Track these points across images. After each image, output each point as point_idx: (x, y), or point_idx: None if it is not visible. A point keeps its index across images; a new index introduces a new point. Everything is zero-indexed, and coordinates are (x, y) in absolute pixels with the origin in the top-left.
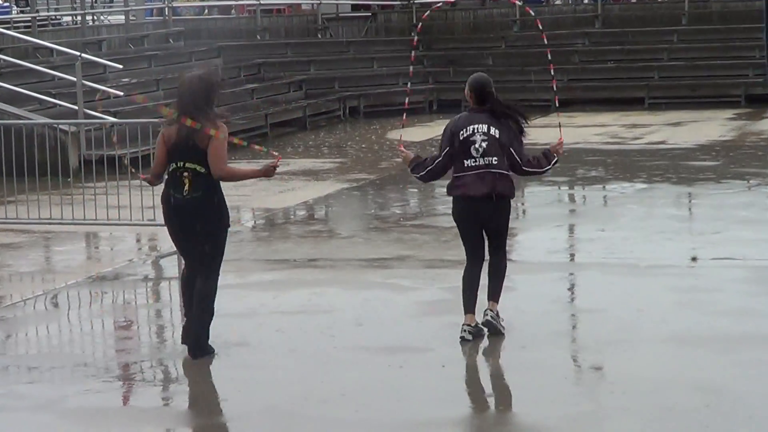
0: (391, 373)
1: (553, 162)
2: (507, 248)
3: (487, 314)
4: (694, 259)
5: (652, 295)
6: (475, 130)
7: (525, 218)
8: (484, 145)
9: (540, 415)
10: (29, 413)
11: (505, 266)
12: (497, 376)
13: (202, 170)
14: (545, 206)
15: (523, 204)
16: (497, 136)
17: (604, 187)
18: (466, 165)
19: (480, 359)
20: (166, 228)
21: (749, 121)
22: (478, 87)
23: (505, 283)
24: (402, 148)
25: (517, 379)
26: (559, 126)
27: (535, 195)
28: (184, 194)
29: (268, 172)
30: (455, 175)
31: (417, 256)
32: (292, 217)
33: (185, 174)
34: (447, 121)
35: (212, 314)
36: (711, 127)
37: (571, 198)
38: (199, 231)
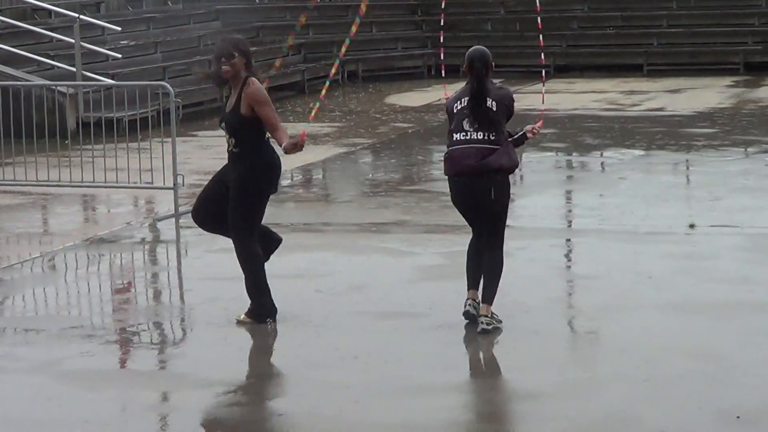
0: (389, 338)
1: (521, 141)
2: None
3: (482, 322)
4: (691, 226)
5: (649, 262)
6: (468, 103)
7: (523, 184)
8: (472, 118)
9: (536, 380)
10: (25, 375)
11: (502, 263)
12: (494, 342)
13: None
14: (543, 173)
15: (521, 170)
16: (493, 108)
17: (602, 153)
18: (456, 138)
19: (477, 325)
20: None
21: (748, 88)
22: (469, 60)
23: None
24: None
25: (514, 345)
26: (542, 113)
27: (533, 161)
28: None
29: (287, 149)
30: (447, 149)
31: (415, 221)
32: (290, 181)
33: None
34: (442, 86)
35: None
36: (709, 94)
37: (569, 164)
38: None
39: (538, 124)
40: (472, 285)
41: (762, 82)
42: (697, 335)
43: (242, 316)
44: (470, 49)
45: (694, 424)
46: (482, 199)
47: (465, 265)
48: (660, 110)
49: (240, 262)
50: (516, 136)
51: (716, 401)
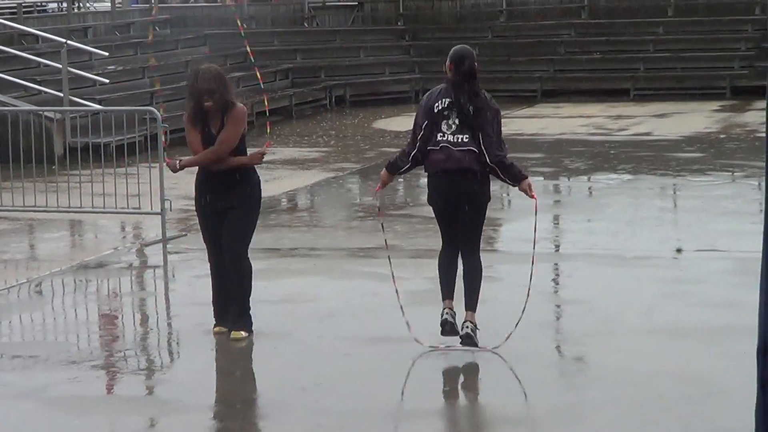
0: (377, 363)
1: (515, 179)
2: (491, 240)
3: (466, 327)
4: (678, 250)
5: (636, 287)
6: (451, 105)
7: (510, 208)
8: (456, 121)
9: (524, 405)
10: (12, 401)
11: (481, 271)
12: (482, 367)
13: None
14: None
15: (508, 194)
16: (472, 113)
17: (589, 178)
18: (437, 139)
19: (465, 350)
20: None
21: (734, 113)
22: (456, 59)
23: (489, 274)
24: (378, 189)
25: (501, 369)
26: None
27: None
28: None
29: (254, 159)
30: (428, 148)
31: (402, 246)
32: (277, 206)
33: None
34: None
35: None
36: (696, 118)
37: (557, 189)
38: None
39: (533, 196)
40: (447, 295)
41: (748, 106)
42: (684, 359)
43: (241, 333)
44: (456, 48)
45: None
46: (461, 199)
47: (438, 277)
48: (647, 135)
49: (238, 278)
50: (511, 172)
51: (704, 426)
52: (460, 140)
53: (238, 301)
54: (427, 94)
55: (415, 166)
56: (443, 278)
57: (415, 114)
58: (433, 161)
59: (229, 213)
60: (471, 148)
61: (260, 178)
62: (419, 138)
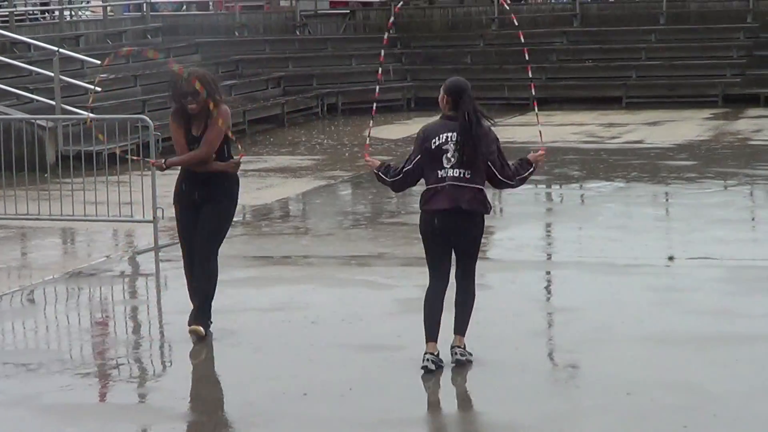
0: (368, 371)
1: (529, 171)
2: (482, 248)
3: (455, 353)
4: (670, 258)
5: (628, 295)
6: (449, 139)
7: (502, 216)
8: (456, 155)
9: (516, 414)
10: (4, 409)
11: (474, 295)
12: (474, 375)
13: None
14: (522, 205)
15: (500, 202)
16: (472, 145)
17: (581, 186)
18: (438, 176)
19: (455, 358)
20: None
21: (726, 120)
22: (455, 92)
23: (480, 282)
24: (368, 157)
25: (493, 377)
26: (540, 134)
27: (512, 194)
28: None
29: (229, 167)
30: (426, 186)
31: (394, 254)
32: (269, 214)
33: None
34: (424, 120)
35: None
36: (688, 126)
37: (549, 197)
38: None
39: (540, 152)
40: (432, 337)
41: (740, 114)
42: (677, 367)
43: (200, 328)
44: (452, 80)
45: None
46: (456, 237)
47: (423, 316)
48: (639, 143)
49: (211, 278)
50: (525, 175)
51: None
52: (462, 175)
53: (200, 298)
54: (422, 128)
55: (403, 186)
56: (428, 317)
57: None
58: (430, 199)
59: (204, 207)
60: (475, 185)
61: (253, 186)
62: (406, 170)
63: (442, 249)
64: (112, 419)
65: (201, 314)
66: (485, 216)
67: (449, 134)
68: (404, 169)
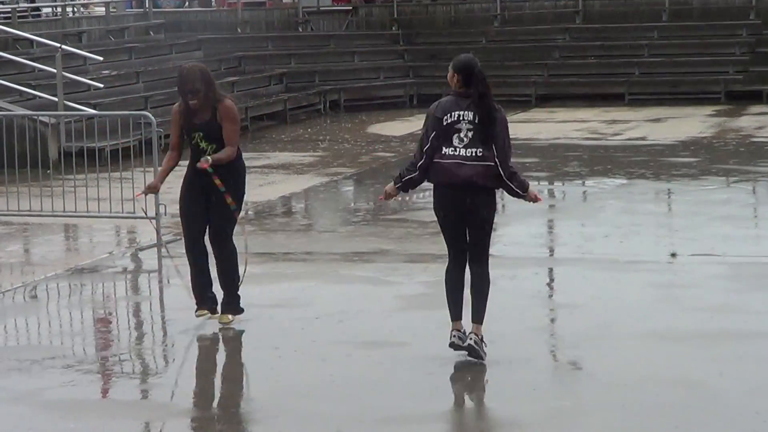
0: (371, 368)
1: (520, 189)
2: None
3: (471, 338)
4: (673, 255)
5: (631, 291)
6: (461, 117)
7: (505, 213)
8: (469, 134)
9: (520, 409)
10: (6, 405)
11: (489, 280)
12: (477, 371)
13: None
14: (525, 202)
15: (502, 199)
16: (485, 125)
17: (583, 182)
18: (444, 153)
19: (460, 354)
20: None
21: (729, 117)
22: (465, 69)
23: None
24: (382, 198)
25: (497, 374)
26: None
27: None
28: None
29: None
30: (434, 160)
31: (397, 250)
32: (272, 210)
33: None
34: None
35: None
36: (691, 123)
37: (551, 193)
38: None
39: (539, 198)
40: (456, 316)
41: (743, 111)
42: (679, 364)
43: (228, 317)
44: (460, 57)
45: None
46: (469, 212)
47: (445, 295)
48: (641, 139)
49: (230, 265)
50: (514, 184)
51: (698, 430)
52: (474, 154)
53: (227, 286)
54: (434, 104)
55: (424, 179)
56: (451, 298)
57: (424, 122)
58: (440, 173)
59: (214, 194)
60: (487, 162)
61: (255, 182)
62: (425, 150)
63: (454, 224)
64: (114, 415)
65: (228, 304)
66: (495, 196)
67: (462, 112)
68: (425, 150)
